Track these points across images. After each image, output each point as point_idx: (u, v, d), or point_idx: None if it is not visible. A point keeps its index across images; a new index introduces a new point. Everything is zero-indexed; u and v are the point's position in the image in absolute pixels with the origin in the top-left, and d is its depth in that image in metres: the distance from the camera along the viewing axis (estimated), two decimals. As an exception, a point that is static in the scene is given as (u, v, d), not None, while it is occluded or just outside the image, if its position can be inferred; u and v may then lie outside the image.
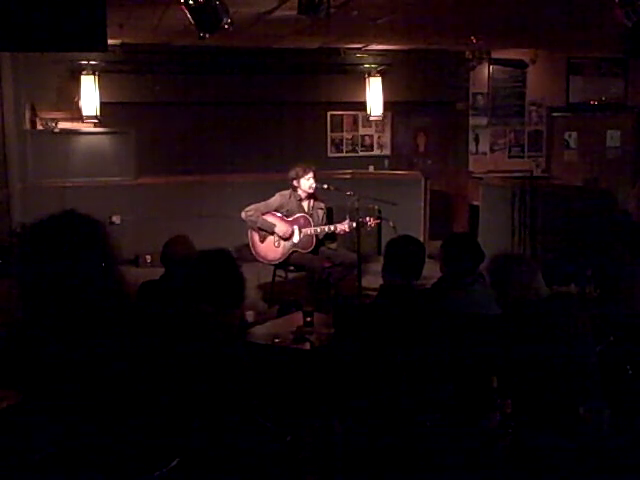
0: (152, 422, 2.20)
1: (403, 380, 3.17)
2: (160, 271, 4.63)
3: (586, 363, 3.24)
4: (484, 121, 10.41)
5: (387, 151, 10.48)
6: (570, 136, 10.93)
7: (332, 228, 6.40)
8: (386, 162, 10.41)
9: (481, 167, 10.31)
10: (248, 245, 6.56)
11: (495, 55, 10.09)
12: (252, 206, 6.44)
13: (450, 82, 10.08)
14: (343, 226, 6.34)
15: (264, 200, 6.51)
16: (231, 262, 3.13)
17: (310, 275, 6.40)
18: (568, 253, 6.44)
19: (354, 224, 6.17)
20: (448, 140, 10.63)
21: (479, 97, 10.36)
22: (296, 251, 6.43)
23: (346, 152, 10.30)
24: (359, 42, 9.16)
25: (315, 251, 6.48)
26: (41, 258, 2.13)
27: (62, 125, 8.68)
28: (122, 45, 8.42)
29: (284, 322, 4.78)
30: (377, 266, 3.74)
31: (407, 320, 3.33)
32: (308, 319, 4.44)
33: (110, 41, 5.01)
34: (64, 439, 2.07)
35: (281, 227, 6.39)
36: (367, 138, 10.39)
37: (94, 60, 8.49)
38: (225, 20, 5.20)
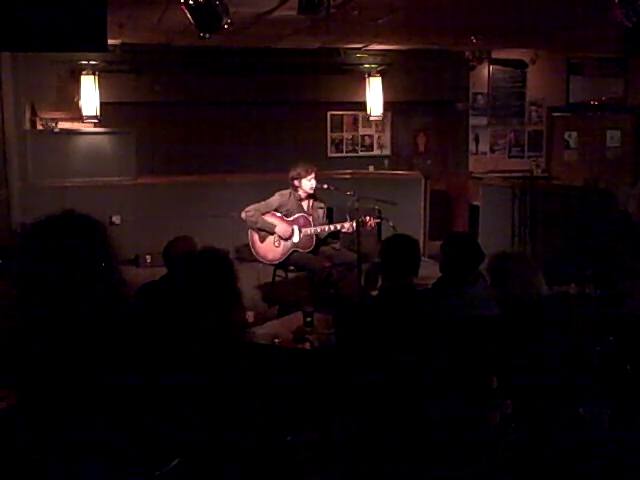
0: (152, 422, 2.20)
1: (403, 380, 3.17)
2: (160, 271, 4.63)
3: (586, 363, 3.24)
4: (484, 121, 10.41)
5: (387, 151, 10.48)
6: (570, 136, 10.93)
7: (338, 227, 6.38)
8: (386, 162, 10.41)
9: (481, 167, 10.32)
10: (248, 245, 6.56)
11: (495, 55, 10.10)
12: (252, 206, 6.43)
13: (450, 82, 10.08)
14: (348, 224, 6.31)
15: (264, 200, 6.51)
16: (223, 262, 3.12)
17: (310, 275, 6.40)
18: (568, 253, 6.44)
19: (354, 224, 6.17)
20: (448, 140, 10.63)
21: (479, 97, 10.36)
22: (296, 251, 6.42)
23: (346, 152, 10.30)
24: (359, 42, 9.16)
25: (315, 251, 6.47)
26: (41, 258, 2.13)
27: (62, 125, 8.68)
28: (122, 45, 8.42)
29: (284, 322, 4.78)
30: (377, 266, 3.75)
31: (407, 320, 3.33)
32: (308, 319, 4.43)
33: (110, 41, 5.02)
34: (64, 439, 2.07)
35: (281, 227, 6.39)
36: (367, 138, 10.39)
37: (94, 60, 8.50)
38: (225, 20, 5.21)
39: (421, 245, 8.97)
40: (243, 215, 6.43)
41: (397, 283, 3.54)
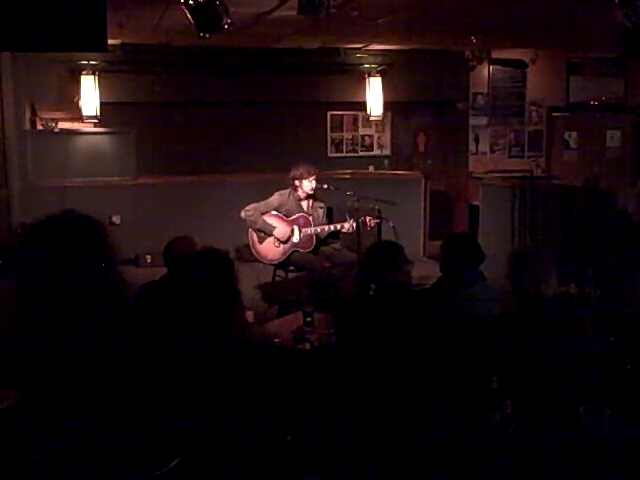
0: (152, 422, 2.20)
1: (403, 380, 3.17)
2: (160, 271, 4.63)
3: (586, 363, 3.24)
4: (484, 121, 10.41)
5: (387, 151, 10.48)
6: (570, 136, 10.92)
7: (338, 227, 6.38)
8: (386, 162, 10.41)
9: (481, 167, 10.31)
10: (248, 245, 6.56)
11: (495, 55, 10.08)
12: (252, 205, 6.43)
13: (450, 82, 10.08)
14: (349, 224, 6.31)
15: (264, 200, 6.51)
16: (224, 262, 3.12)
17: (310, 275, 6.40)
18: (568, 253, 6.43)
19: (354, 224, 6.17)
20: (448, 140, 10.63)
21: (479, 97, 10.35)
22: (296, 251, 6.42)
23: (346, 152, 10.30)
24: (359, 42, 9.16)
25: (315, 251, 6.47)
26: (41, 258, 2.13)
27: (62, 125, 8.68)
28: (122, 45, 8.42)
29: (284, 322, 4.78)
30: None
31: (407, 320, 3.34)
32: (308, 319, 4.43)
33: (110, 41, 5.00)
34: (64, 439, 2.07)
35: (280, 230, 6.38)
36: (367, 138, 10.39)
37: (94, 60, 8.50)
38: (225, 20, 5.21)
39: (421, 245, 9.00)
40: (243, 214, 6.43)
41: (389, 282, 3.58)
